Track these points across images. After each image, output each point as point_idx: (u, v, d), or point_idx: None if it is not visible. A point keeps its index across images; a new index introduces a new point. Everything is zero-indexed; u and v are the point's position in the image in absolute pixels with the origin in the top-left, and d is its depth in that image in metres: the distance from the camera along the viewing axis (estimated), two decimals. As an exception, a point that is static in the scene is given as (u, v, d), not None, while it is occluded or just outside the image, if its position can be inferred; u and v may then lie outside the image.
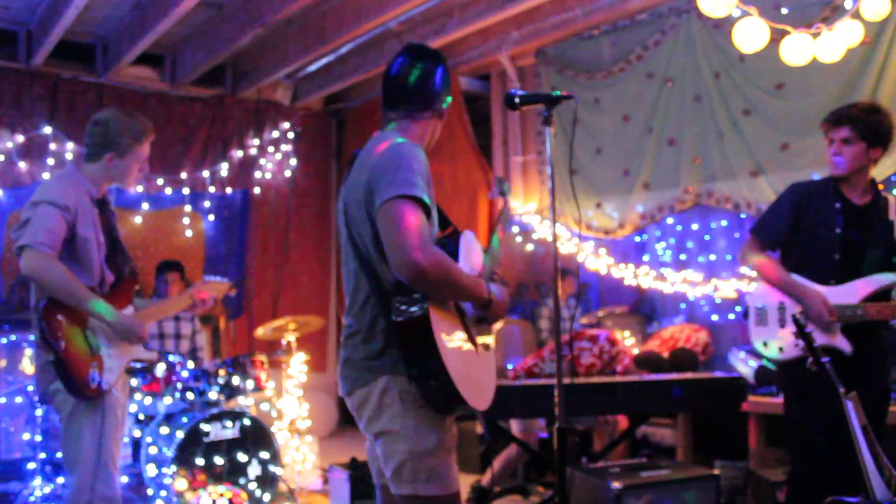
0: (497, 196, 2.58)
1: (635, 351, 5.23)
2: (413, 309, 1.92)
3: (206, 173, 6.79)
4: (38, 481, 4.34)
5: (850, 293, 2.94)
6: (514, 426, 4.56)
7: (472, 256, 2.17)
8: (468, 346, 2.06)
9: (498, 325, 3.27)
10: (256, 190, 7.18)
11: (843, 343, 2.93)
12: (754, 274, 3.40)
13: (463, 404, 1.99)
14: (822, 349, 2.89)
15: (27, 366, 5.02)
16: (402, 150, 2.01)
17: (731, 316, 5.95)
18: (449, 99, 2.20)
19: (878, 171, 4.35)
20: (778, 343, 3.08)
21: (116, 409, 2.78)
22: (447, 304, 2.04)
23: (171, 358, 4.63)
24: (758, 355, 4.32)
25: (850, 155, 2.97)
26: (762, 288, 3.17)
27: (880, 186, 3.12)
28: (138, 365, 2.94)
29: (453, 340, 2.00)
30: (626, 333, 6.20)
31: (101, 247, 2.84)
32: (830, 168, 3.03)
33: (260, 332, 5.31)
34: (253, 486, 4.50)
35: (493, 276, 2.24)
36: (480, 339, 2.15)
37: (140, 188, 6.40)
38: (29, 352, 5.12)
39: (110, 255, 2.90)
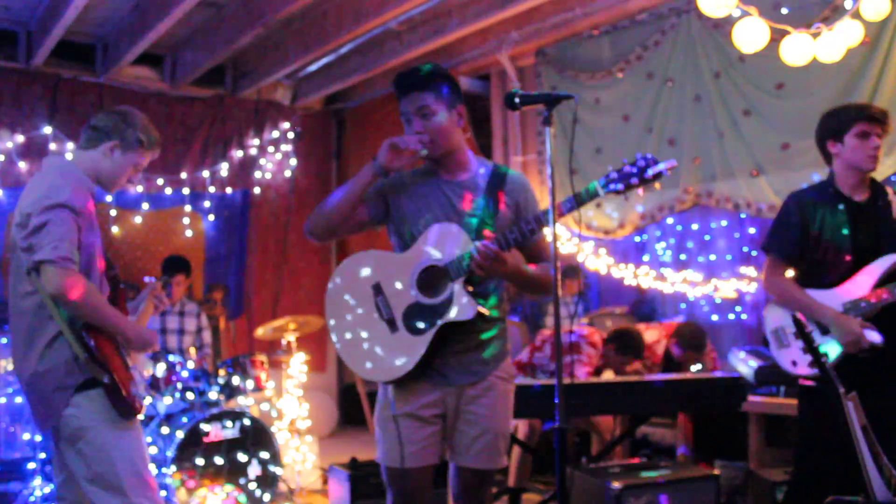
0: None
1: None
2: None
3: (206, 173, 6.79)
4: (38, 481, 4.34)
5: (861, 285, 2.88)
6: (521, 427, 4.54)
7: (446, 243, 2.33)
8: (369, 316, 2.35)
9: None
10: (256, 190, 7.18)
11: (873, 336, 2.80)
12: (760, 280, 3.27)
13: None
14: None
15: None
16: None
17: (731, 316, 5.96)
18: None
19: (878, 172, 4.36)
20: (807, 359, 3.02)
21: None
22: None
23: (171, 358, 4.63)
24: (759, 355, 4.30)
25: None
26: (773, 308, 3.08)
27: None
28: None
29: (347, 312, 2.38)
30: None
31: (102, 254, 2.57)
32: (869, 163, 2.94)
33: (260, 332, 5.32)
34: (253, 486, 4.51)
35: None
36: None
37: (140, 188, 6.40)
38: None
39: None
